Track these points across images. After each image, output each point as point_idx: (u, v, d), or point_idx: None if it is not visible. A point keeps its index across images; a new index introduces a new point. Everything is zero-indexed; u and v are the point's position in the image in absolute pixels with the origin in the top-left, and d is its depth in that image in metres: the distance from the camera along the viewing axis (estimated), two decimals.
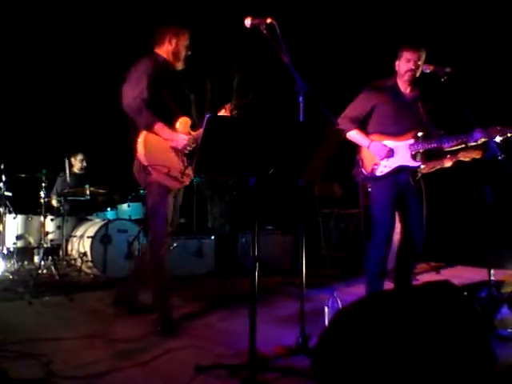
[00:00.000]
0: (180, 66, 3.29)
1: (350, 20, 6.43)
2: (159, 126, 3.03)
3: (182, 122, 3.22)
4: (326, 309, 2.63)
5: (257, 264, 2.12)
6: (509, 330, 3.00)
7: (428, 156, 3.86)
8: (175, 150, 3.12)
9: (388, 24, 6.20)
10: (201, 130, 3.19)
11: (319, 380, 1.84)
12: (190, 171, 3.17)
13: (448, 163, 4.46)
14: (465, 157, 4.12)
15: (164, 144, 3.08)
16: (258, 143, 2.03)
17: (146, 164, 3.02)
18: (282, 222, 6.27)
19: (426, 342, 1.79)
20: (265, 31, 2.58)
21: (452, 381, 1.84)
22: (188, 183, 3.26)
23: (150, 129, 3.03)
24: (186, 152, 3.13)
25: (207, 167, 2.10)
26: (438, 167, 4.57)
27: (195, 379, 2.23)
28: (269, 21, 2.58)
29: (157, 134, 3.04)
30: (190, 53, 3.29)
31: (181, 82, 3.42)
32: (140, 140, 3.03)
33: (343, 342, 1.72)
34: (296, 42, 3.62)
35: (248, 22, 2.66)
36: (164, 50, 3.24)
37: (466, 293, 3.23)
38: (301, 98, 2.47)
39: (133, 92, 3.02)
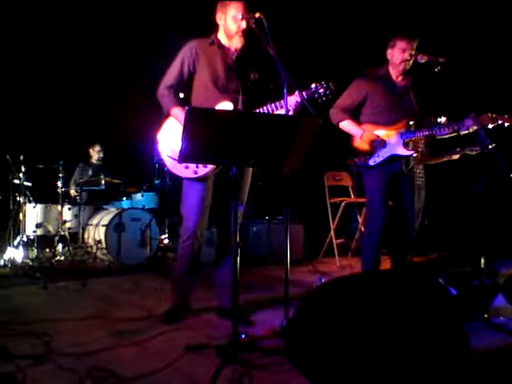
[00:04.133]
0: (235, 43, 2.98)
1: (337, 10, 6.38)
2: (175, 112, 2.96)
3: (221, 106, 2.93)
4: None
5: (238, 250, 2.26)
6: (501, 318, 3.04)
7: (438, 150, 3.88)
8: None
9: (376, 13, 6.14)
10: None
11: (291, 359, 1.95)
12: None
13: (456, 156, 4.48)
14: (471, 150, 4.12)
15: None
16: (237, 134, 2.13)
17: (160, 151, 3.04)
18: (292, 211, 6.35)
19: (393, 324, 1.87)
20: (253, 25, 2.68)
21: (422, 365, 1.91)
22: (203, 174, 2.92)
23: (168, 114, 3.02)
24: None
25: (190, 157, 2.23)
26: (446, 159, 4.61)
27: (183, 357, 2.37)
28: (257, 15, 2.67)
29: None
30: (243, 25, 2.90)
31: (242, 63, 3.05)
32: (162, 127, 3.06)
33: (310, 324, 1.82)
34: (285, 34, 3.66)
35: (243, 25, 2.80)
36: (221, 31, 3.03)
37: (456, 280, 3.28)
38: (285, 91, 2.56)
39: (163, 80, 3.04)
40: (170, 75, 3.03)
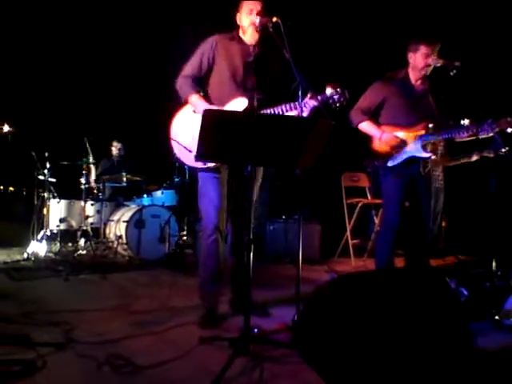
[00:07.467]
0: (249, 38, 3.04)
1: (355, 14, 6.39)
2: (192, 99, 2.98)
3: (236, 102, 2.96)
4: None
5: (251, 246, 2.35)
6: None
7: (456, 152, 3.90)
8: None
9: (393, 17, 6.14)
10: None
11: (300, 351, 2.02)
12: None
13: (475, 157, 4.48)
14: (489, 153, 4.12)
15: (197, 119, 2.73)
16: (250, 135, 2.21)
17: (170, 137, 3.02)
18: (310, 211, 6.42)
19: (399, 322, 1.92)
20: (271, 29, 2.75)
21: (425, 363, 1.95)
22: (213, 165, 2.92)
23: (186, 101, 3.03)
24: None
25: (206, 156, 2.33)
26: (465, 161, 4.61)
27: (197, 348, 2.46)
28: (274, 19, 2.74)
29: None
30: (256, 20, 2.92)
31: (262, 61, 3.07)
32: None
33: (317, 318, 1.89)
34: (303, 37, 3.70)
35: (257, 20, 2.87)
36: (240, 30, 3.10)
37: (468, 281, 3.31)
38: (300, 94, 2.63)
39: (181, 70, 3.10)
40: (189, 66, 3.09)
